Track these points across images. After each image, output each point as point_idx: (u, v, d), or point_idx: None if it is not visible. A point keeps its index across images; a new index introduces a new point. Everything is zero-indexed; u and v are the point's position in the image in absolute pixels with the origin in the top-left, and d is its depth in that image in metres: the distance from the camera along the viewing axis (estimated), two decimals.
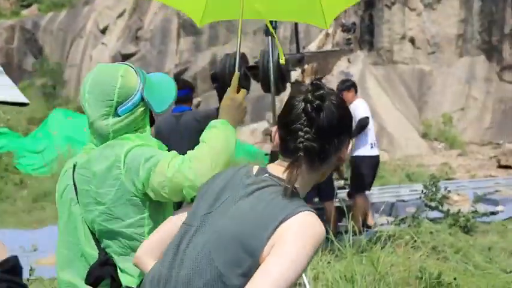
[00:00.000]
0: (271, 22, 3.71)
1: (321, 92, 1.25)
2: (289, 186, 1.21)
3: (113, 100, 1.55)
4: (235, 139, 1.54)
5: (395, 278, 3.35)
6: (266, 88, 4.09)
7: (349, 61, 12.16)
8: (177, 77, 10.76)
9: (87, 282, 1.54)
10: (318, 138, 1.24)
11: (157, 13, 15.24)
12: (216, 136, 1.50)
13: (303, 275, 3.35)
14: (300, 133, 1.23)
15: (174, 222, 1.39)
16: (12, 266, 0.96)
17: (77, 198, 1.59)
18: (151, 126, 1.69)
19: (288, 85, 4.78)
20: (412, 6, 11.77)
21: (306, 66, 7.20)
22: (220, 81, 4.04)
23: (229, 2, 2.24)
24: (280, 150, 1.32)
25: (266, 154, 6.80)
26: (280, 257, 1.12)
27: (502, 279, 3.72)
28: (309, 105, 1.24)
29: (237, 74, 1.71)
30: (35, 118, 13.35)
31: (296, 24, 5.74)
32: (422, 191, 5.69)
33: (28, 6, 20.44)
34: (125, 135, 1.57)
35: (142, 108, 1.60)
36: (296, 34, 5.70)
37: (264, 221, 1.18)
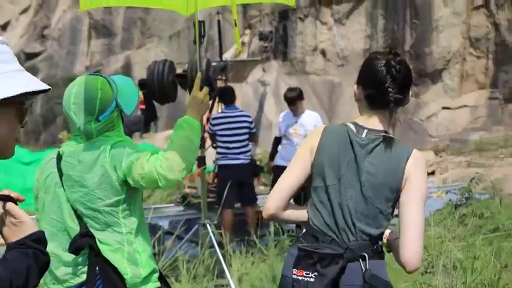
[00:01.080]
0: (198, 26, 3.79)
1: (398, 58, 1.78)
2: (389, 135, 1.78)
3: (95, 109, 1.92)
4: (199, 131, 1.93)
5: None
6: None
7: (263, 70, 12.54)
8: None
9: (69, 250, 1.89)
10: (400, 92, 1.76)
11: (67, 11, 14.55)
12: (180, 137, 1.88)
13: (227, 274, 3.51)
14: (389, 89, 1.74)
15: (287, 178, 1.84)
16: (39, 237, 1.15)
17: (61, 182, 1.95)
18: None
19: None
20: (324, 20, 12.40)
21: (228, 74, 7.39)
22: (148, 88, 4.08)
23: None
24: (368, 104, 1.83)
25: None
26: (415, 183, 1.73)
27: (405, 274, 4.16)
28: (392, 69, 1.75)
29: (199, 74, 2.10)
30: None
31: (220, 32, 5.91)
32: None
33: None
34: (106, 133, 1.95)
35: (116, 112, 1.99)
36: (220, 42, 5.86)
37: (394, 167, 1.74)
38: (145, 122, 3.38)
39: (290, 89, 5.65)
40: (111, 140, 1.93)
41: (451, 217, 5.80)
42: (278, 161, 5.43)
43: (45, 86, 1.16)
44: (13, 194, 1.16)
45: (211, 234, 3.69)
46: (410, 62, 11.70)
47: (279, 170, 5.10)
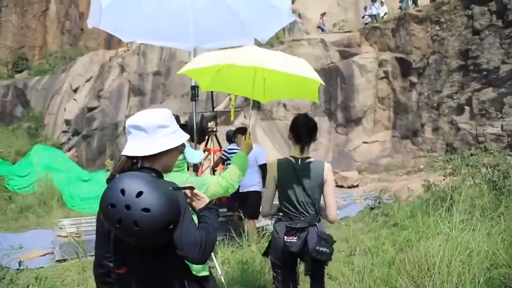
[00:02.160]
0: (193, 89, 3.60)
1: (309, 117, 2.20)
2: (310, 158, 2.19)
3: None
4: (247, 160, 2.11)
5: None
6: (191, 138, 4.14)
7: (245, 117, 12.58)
8: None
9: None
10: (310, 136, 2.19)
11: (115, 80, 14.64)
12: (238, 163, 2.08)
13: (214, 258, 3.38)
14: (303, 136, 2.17)
15: (268, 193, 2.28)
16: (212, 203, 1.49)
17: None
18: None
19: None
20: None
21: (218, 120, 7.32)
22: None
23: (225, 80, 2.30)
24: (295, 143, 2.21)
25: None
26: (331, 183, 2.21)
27: (337, 256, 4.08)
28: (305, 124, 2.18)
29: (249, 134, 2.29)
30: (21, 151, 12.36)
31: (212, 93, 5.86)
32: None
33: (21, 71, 20.06)
34: (179, 170, 2.06)
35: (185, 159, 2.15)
36: (212, 99, 5.83)
37: (318, 175, 2.17)
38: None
39: (238, 128, 5.01)
40: (184, 176, 2.02)
41: (368, 216, 5.82)
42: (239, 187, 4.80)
43: (188, 136, 1.50)
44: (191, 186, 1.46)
45: None
46: (341, 112, 11.89)
47: (241, 195, 4.70)
